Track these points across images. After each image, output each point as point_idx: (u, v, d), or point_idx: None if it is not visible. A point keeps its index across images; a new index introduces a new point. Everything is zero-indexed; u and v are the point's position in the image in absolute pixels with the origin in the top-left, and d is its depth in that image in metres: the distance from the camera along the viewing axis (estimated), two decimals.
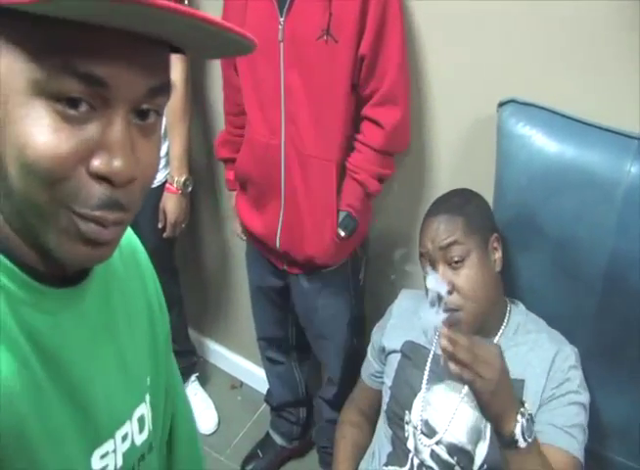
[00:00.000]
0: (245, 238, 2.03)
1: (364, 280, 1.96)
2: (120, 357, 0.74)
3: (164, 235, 2.14)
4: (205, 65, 2.13)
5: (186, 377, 2.62)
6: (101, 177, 0.57)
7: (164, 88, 0.62)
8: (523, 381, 1.40)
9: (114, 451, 0.72)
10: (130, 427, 0.75)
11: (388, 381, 1.58)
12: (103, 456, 0.70)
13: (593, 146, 1.37)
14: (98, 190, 0.58)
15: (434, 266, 1.41)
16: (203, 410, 2.62)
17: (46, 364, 0.61)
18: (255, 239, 1.92)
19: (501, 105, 1.47)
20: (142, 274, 0.84)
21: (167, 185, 2.06)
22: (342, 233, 1.69)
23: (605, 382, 1.48)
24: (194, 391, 2.64)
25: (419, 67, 1.68)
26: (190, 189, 2.07)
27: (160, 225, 2.12)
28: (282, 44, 1.58)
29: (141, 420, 0.77)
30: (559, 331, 1.50)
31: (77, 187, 0.57)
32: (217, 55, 0.73)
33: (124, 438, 0.74)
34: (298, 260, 1.82)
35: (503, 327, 1.47)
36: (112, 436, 0.72)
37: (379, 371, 1.66)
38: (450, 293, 1.37)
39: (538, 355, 1.42)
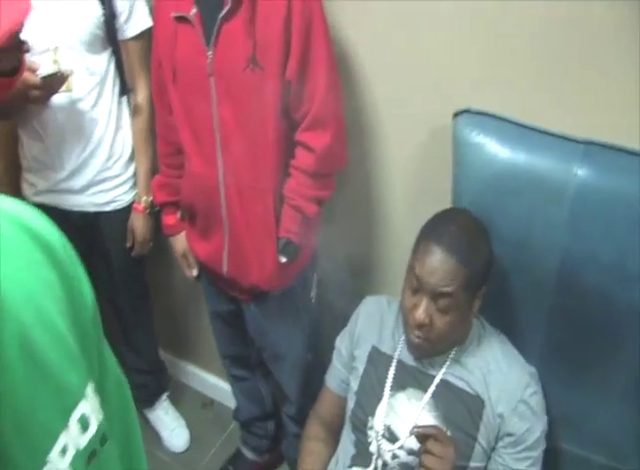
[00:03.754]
0: (197, 281, 2.06)
1: (317, 298, 1.96)
2: (30, 376, 0.66)
3: (133, 254, 2.17)
4: None
5: (157, 396, 2.64)
6: None
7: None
8: (483, 401, 1.46)
9: None
10: (66, 437, 0.69)
11: (355, 386, 1.61)
12: None
13: (542, 151, 1.43)
14: None
15: (417, 292, 1.42)
16: (174, 429, 2.63)
17: None
18: (205, 267, 1.95)
19: (456, 115, 1.52)
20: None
21: (135, 205, 2.10)
22: (284, 259, 1.71)
23: (559, 377, 1.54)
24: (165, 409, 2.65)
25: (368, 79, 1.72)
26: (157, 209, 2.11)
27: (128, 244, 2.15)
28: (212, 78, 1.59)
29: (82, 419, 0.72)
30: (516, 332, 1.56)
31: None
32: None
33: (63, 451, 0.68)
34: (245, 287, 1.84)
35: (466, 340, 1.52)
36: (43, 463, 0.66)
37: (348, 378, 1.68)
38: (427, 325, 1.41)
39: (499, 381, 1.47)
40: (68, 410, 0.70)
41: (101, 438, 0.74)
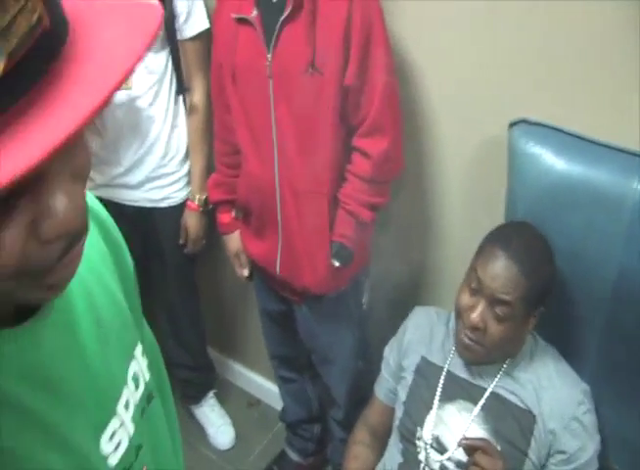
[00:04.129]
0: (248, 281, 2.07)
1: (368, 304, 1.96)
2: (97, 335, 0.71)
3: (185, 251, 2.20)
4: None
5: (204, 393, 2.66)
6: None
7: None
8: (534, 416, 1.43)
9: (123, 424, 0.73)
10: (127, 393, 0.75)
11: (403, 396, 1.60)
12: (112, 437, 0.71)
13: (600, 164, 1.39)
14: None
15: (475, 294, 1.41)
16: (220, 426, 2.65)
17: (40, 394, 0.62)
18: (258, 266, 1.96)
19: (512, 125, 1.50)
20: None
21: (188, 202, 2.12)
22: (337, 264, 1.70)
23: (614, 396, 1.50)
24: (211, 407, 2.67)
25: (426, 88, 1.71)
26: (211, 207, 2.12)
27: (181, 242, 2.18)
28: (270, 80, 1.59)
29: (135, 378, 0.78)
30: (569, 347, 1.52)
31: None
32: None
33: (127, 405, 0.74)
34: (297, 289, 1.84)
35: (518, 354, 1.50)
36: (114, 413, 0.72)
37: (395, 388, 1.67)
38: (480, 329, 1.40)
39: (552, 397, 1.44)
40: (125, 367, 0.76)
41: (147, 396, 0.81)
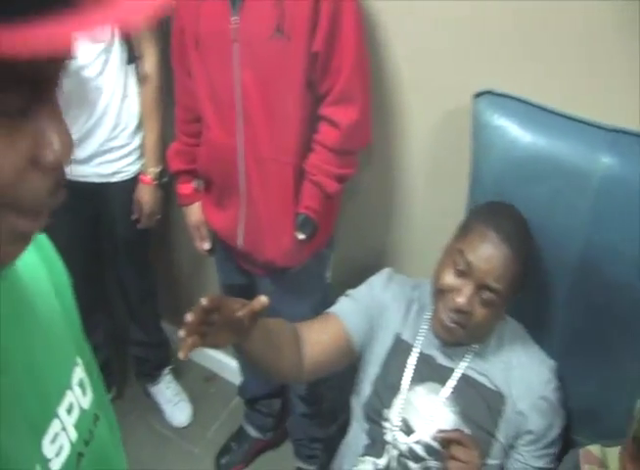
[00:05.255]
0: (208, 255, 2.01)
1: (332, 278, 1.93)
2: (39, 329, 0.73)
3: (139, 226, 2.13)
4: None
5: (160, 370, 2.62)
6: None
7: None
8: (504, 397, 1.42)
9: (64, 429, 0.71)
10: (73, 395, 0.74)
11: (372, 374, 1.54)
12: (53, 440, 0.69)
13: (567, 137, 1.38)
14: None
15: (462, 276, 1.36)
16: (176, 403, 2.61)
17: None
18: (219, 238, 1.91)
19: (477, 96, 1.47)
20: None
21: (142, 176, 2.05)
22: (301, 236, 1.66)
23: (578, 368, 1.50)
24: (167, 383, 2.63)
25: (387, 60, 1.68)
26: (165, 180, 2.06)
27: (134, 217, 2.11)
28: (235, 44, 1.54)
29: (81, 385, 0.77)
30: (534, 320, 1.52)
31: None
32: None
33: (70, 410, 0.73)
34: (259, 262, 1.81)
35: (488, 338, 1.48)
36: (55, 415, 0.70)
37: (361, 317, 1.53)
38: (467, 313, 1.37)
39: (521, 377, 1.43)
40: (69, 370, 0.76)
41: (95, 414, 0.79)
